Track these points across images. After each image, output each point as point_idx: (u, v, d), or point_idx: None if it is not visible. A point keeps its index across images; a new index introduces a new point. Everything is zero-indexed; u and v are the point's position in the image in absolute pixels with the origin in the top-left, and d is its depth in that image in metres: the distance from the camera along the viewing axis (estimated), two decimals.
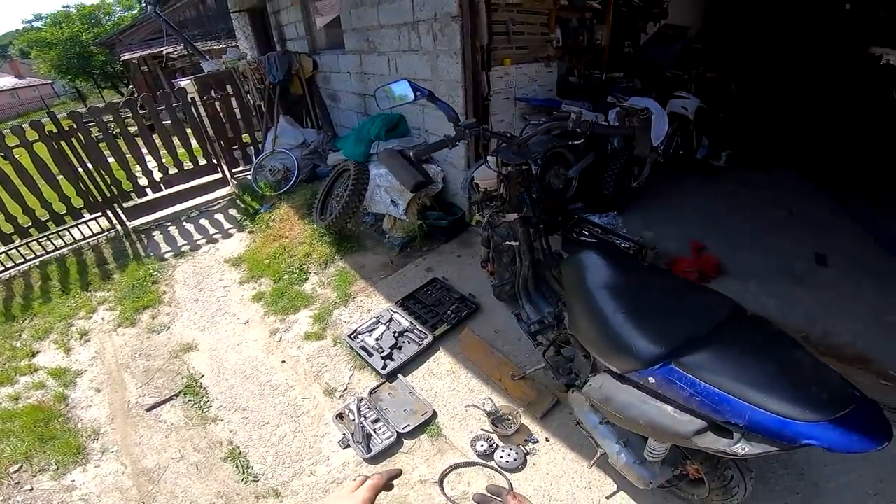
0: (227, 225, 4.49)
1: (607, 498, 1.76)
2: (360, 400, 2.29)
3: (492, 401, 2.10)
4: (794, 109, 5.52)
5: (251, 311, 3.24)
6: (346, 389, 2.45)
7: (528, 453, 1.95)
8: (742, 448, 1.01)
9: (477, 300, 2.87)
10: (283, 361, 2.74)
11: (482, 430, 2.08)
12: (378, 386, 2.38)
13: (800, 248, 3.34)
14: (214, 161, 5.11)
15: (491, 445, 1.98)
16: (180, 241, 4.23)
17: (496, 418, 2.03)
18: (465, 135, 1.81)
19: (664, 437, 1.21)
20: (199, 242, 4.21)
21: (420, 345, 2.57)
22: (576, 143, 1.88)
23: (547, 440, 2.01)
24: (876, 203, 4.09)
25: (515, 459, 1.91)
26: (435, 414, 2.19)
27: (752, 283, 2.93)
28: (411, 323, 2.72)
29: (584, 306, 1.46)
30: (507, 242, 2.19)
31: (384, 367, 2.44)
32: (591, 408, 1.69)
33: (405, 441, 2.11)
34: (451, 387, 2.36)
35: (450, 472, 1.91)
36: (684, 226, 3.60)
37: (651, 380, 1.19)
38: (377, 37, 3.73)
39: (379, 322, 2.77)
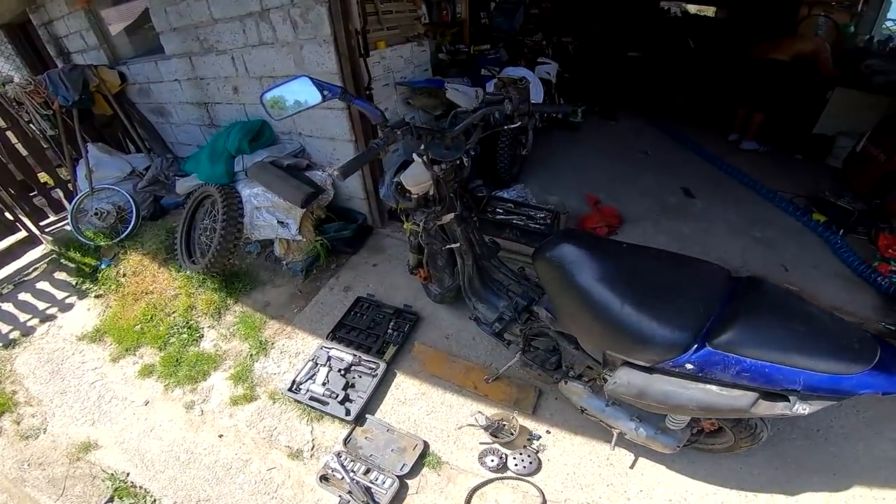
0: (59, 294, 3.43)
1: (631, 468, 1.80)
2: (339, 455, 1.96)
3: (482, 413, 1.98)
4: (610, 63, 6.26)
5: (146, 389, 2.57)
6: (313, 448, 2.09)
7: (538, 451, 1.89)
8: (803, 409, 1.04)
9: (414, 309, 2.66)
10: (221, 436, 2.23)
11: (481, 443, 1.95)
12: (350, 433, 2.07)
13: (666, 184, 3.82)
14: (9, 216, 3.84)
15: (501, 457, 1.87)
16: (3, 328, 3.12)
17: (494, 429, 1.92)
18: (397, 137, 1.56)
19: (717, 414, 1.21)
20: (30, 324, 3.15)
21: (375, 375, 2.30)
22: (512, 126, 1.77)
23: (548, 432, 1.97)
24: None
25: (531, 462, 1.84)
26: (426, 444, 1.99)
27: (646, 225, 3.26)
28: (354, 355, 2.40)
29: (582, 304, 1.36)
30: (448, 246, 2.03)
31: (348, 413, 2.13)
32: (591, 394, 1.66)
33: (408, 482, 1.89)
34: (427, 410, 2.16)
35: (472, 496, 1.78)
36: (572, 182, 3.83)
37: (689, 366, 1.16)
38: (212, 34, 3.08)
39: (317, 364, 2.40)
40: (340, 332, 2.58)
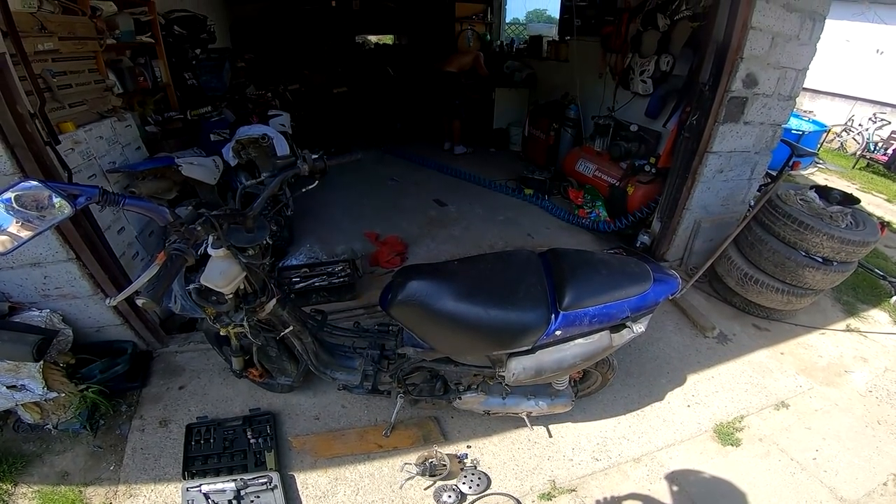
0: None
1: (551, 437, 2.08)
2: None
3: (408, 463, 1.96)
4: (328, 102, 6.57)
5: None
6: None
7: (476, 466, 1.97)
8: (639, 328, 1.44)
9: (263, 409, 2.28)
10: None
11: (425, 488, 1.91)
12: None
13: (421, 201, 4.32)
14: None
15: (453, 489, 1.88)
16: None
17: (429, 470, 1.91)
18: (199, 234, 1.31)
19: (596, 358, 1.54)
20: None
21: (275, 487, 1.92)
22: (310, 187, 1.74)
23: (469, 447, 2.07)
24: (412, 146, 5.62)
25: (480, 478, 1.90)
26: None
27: (426, 241, 3.62)
28: (235, 480, 1.92)
29: (452, 326, 1.47)
30: (282, 333, 1.84)
31: None
32: (487, 395, 1.85)
33: None
34: (354, 490, 1.95)
35: None
36: (345, 226, 3.84)
37: (558, 333, 1.44)
38: None
39: None
40: (196, 467, 2.03)
